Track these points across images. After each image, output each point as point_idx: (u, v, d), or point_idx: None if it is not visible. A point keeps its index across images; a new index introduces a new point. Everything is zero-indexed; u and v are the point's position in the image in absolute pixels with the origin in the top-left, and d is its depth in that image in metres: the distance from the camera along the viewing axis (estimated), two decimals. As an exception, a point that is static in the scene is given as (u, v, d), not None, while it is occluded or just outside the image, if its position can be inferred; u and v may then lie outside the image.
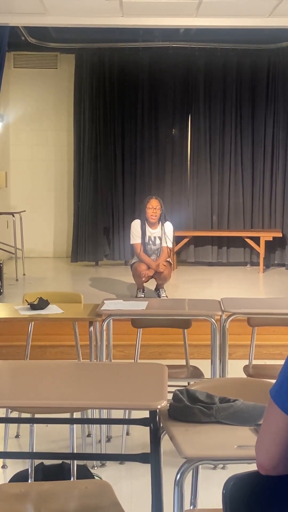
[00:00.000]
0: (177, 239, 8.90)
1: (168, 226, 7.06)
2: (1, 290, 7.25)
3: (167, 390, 2.53)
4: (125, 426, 4.09)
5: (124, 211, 9.71)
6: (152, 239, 7.04)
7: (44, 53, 9.81)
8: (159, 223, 7.04)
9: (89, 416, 3.93)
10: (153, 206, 6.99)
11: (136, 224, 7.09)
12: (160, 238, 7.02)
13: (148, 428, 2.41)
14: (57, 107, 10.13)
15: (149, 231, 7.04)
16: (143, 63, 9.55)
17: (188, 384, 3.49)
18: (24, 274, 8.71)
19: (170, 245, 7.11)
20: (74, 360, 4.80)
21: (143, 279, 6.96)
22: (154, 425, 2.41)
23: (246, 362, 4.35)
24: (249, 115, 9.63)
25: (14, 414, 3.62)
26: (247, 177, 9.72)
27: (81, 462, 3.54)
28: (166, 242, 7.00)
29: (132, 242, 7.13)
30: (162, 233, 7.00)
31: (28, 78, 10.02)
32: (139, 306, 4.33)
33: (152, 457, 2.40)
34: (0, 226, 9.38)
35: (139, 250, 7.01)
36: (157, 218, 7.01)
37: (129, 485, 3.59)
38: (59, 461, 3.44)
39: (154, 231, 7.05)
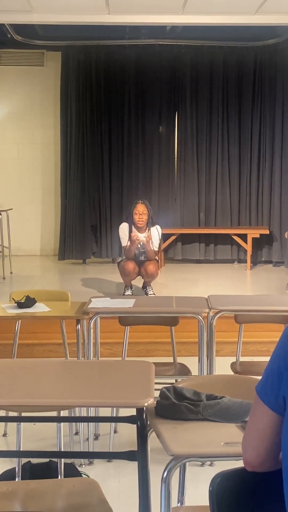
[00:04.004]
0: (164, 237, 8.89)
1: (155, 232, 7.02)
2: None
3: (154, 387, 2.53)
4: (113, 424, 4.08)
5: (112, 209, 9.70)
6: (140, 243, 7.02)
7: (31, 51, 9.77)
8: (147, 227, 7.02)
9: (77, 414, 3.92)
10: (140, 211, 6.96)
11: (123, 228, 7.06)
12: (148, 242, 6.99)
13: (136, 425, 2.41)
14: (44, 105, 10.09)
15: (137, 235, 7.01)
16: (129, 61, 9.53)
17: (176, 381, 3.49)
18: (11, 272, 8.68)
19: (154, 249, 7.06)
20: (62, 358, 4.80)
21: (136, 252, 6.88)
22: (141, 422, 2.41)
23: (233, 359, 4.36)
24: (236, 113, 9.64)
25: (1, 413, 3.60)
26: (234, 174, 9.73)
27: (69, 460, 3.54)
28: (152, 246, 6.97)
29: (123, 244, 7.10)
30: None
31: (14, 75, 9.98)
32: (126, 303, 4.33)
33: (139, 455, 2.40)
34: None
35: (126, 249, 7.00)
36: (144, 223, 6.98)
37: (116, 483, 3.59)
38: (47, 460, 3.44)
39: (142, 235, 7.02)
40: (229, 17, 6.70)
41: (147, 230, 7.00)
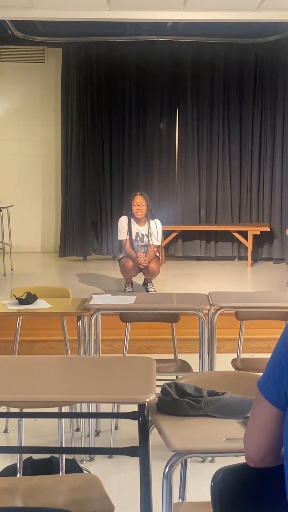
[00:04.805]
0: (165, 234, 8.88)
1: (154, 226, 7.00)
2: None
3: (155, 383, 2.54)
4: (114, 420, 4.09)
5: (112, 206, 9.69)
6: (140, 236, 7.01)
7: (31, 47, 9.77)
8: (146, 219, 7.01)
9: (78, 410, 3.93)
10: (138, 202, 6.95)
11: (123, 221, 7.06)
12: (148, 236, 6.99)
13: (137, 421, 2.41)
14: (44, 102, 10.09)
15: (136, 228, 7.01)
16: (130, 57, 9.53)
17: (177, 378, 3.50)
18: (12, 269, 8.68)
19: (156, 243, 7.03)
20: (63, 354, 4.80)
21: (138, 259, 6.87)
22: (142, 418, 2.41)
23: (234, 355, 4.36)
24: (237, 109, 9.63)
25: (3, 409, 3.61)
26: (235, 171, 9.72)
27: (70, 456, 3.55)
28: (152, 241, 6.96)
29: (119, 238, 7.11)
30: (148, 231, 6.97)
31: (15, 72, 9.98)
32: (127, 300, 4.32)
33: (140, 451, 2.41)
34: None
35: (126, 245, 7.00)
36: (143, 214, 6.97)
37: (118, 478, 3.59)
38: (48, 456, 3.45)
39: (142, 228, 7.01)
40: (230, 13, 6.70)
41: (146, 222, 6.99)
